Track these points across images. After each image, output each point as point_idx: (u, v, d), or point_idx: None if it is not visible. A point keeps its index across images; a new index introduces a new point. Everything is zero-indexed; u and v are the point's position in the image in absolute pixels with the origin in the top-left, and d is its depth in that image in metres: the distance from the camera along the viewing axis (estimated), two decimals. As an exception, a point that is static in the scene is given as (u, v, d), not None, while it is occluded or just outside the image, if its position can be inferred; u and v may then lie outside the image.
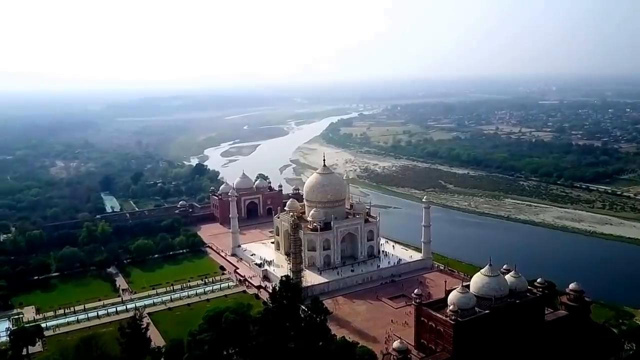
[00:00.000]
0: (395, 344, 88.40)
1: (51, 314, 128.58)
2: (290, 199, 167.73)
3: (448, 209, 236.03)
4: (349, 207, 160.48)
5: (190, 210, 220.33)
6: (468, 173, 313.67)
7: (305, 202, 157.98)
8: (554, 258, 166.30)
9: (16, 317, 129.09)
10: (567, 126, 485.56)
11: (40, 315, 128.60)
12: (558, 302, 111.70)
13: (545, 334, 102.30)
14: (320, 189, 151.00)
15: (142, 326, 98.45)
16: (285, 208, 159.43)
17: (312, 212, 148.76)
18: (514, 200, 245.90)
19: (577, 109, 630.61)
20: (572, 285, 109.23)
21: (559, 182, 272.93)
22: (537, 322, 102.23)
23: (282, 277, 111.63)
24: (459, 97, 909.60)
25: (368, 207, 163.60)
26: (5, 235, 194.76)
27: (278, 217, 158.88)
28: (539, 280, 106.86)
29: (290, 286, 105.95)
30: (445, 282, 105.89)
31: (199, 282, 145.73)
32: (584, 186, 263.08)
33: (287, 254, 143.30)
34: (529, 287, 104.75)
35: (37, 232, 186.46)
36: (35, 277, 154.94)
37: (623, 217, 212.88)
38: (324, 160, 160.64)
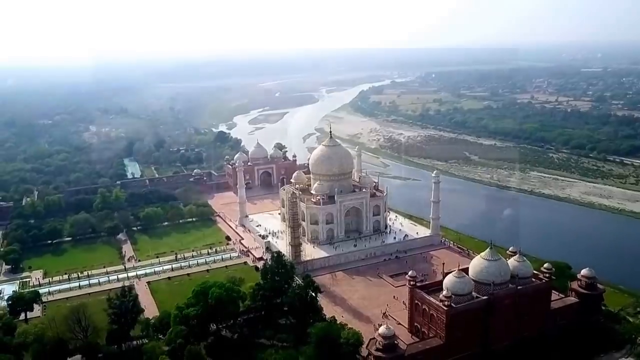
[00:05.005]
0: (382, 329, 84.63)
1: (57, 278, 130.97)
2: (297, 171, 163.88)
3: (469, 181, 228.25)
4: (357, 180, 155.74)
5: (205, 178, 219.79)
6: (495, 144, 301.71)
7: (311, 174, 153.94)
8: (574, 237, 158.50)
9: (25, 280, 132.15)
10: (607, 95, 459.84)
11: (46, 279, 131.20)
12: (569, 287, 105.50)
13: (550, 323, 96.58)
14: (326, 161, 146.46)
15: (131, 298, 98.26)
16: (291, 180, 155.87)
17: (316, 185, 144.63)
18: (540, 174, 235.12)
19: (621, 77, 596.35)
20: (584, 271, 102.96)
21: (591, 154, 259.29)
22: (541, 309, 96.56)
23: (273, 253, 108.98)
24: (497, 64, 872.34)
25: (376, 180, 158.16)
26: (27, 199, 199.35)
27: (284, 189, 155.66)
28: (546, 265, 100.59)
29: (282, 262, 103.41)
30: (443, 264, 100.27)
31: (203, 251, 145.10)
32: (617, 160, 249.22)
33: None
34: (534, 272, 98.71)
35: (56, 196, 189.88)
36: (48, 242, 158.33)
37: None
38: (330, 131, 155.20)
